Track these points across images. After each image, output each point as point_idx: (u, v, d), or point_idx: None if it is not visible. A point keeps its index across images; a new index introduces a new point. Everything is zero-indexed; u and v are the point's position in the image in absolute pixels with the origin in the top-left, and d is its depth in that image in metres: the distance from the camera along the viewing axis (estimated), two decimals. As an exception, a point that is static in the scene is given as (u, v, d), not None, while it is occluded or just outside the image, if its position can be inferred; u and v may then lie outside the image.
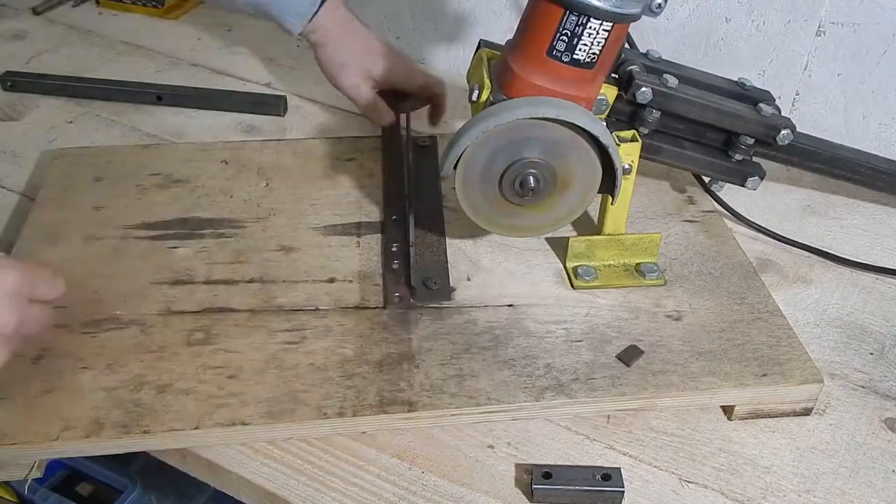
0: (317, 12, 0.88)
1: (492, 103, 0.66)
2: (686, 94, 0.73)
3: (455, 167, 0.66)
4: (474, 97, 0.67)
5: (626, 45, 0.82)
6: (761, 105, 0.75)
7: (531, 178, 0.66)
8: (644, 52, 0.77)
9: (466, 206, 0.69)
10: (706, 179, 0.84)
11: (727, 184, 0.81)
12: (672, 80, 0.73)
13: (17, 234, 0.79)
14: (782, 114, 0.77)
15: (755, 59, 0.95)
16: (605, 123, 0.68)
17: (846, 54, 0.90)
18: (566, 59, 0.62)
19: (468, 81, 0.71)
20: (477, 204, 0.69)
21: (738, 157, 0.77)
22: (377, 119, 0.91)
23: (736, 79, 0.78)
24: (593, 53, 0.62)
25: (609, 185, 0.68)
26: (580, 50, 0.61)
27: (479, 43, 0.73)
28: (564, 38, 0.61)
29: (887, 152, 0.92)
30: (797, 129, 0.76)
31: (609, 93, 0.72)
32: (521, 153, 0.65)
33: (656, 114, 0.73)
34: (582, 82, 0.64)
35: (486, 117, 0.63)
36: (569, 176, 0.67)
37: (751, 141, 0.75)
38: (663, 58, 0.77)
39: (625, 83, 0.72)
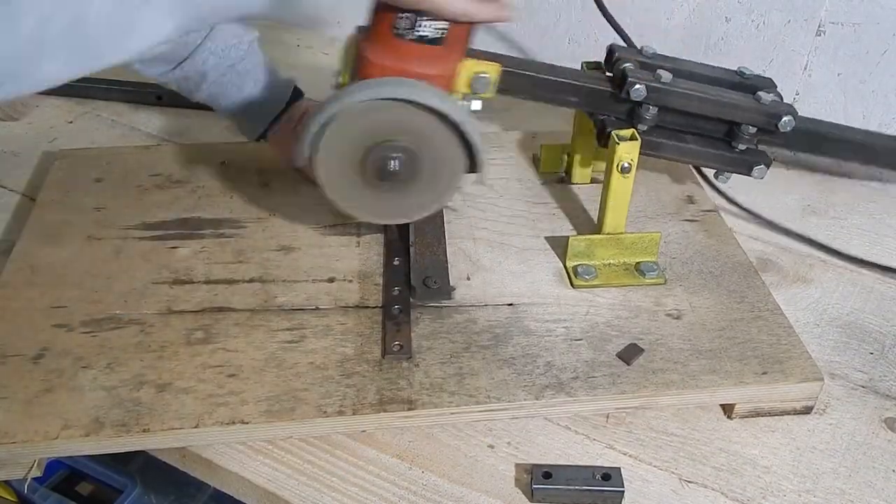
0: (285, 110, 0.82)
1: None
2: (681, 88, 0.72)
3: (313, 153, 0.63)
4: (336, 83, 0.65)
5: (622, 43, 0.82)
6: (760, 93, 0.74)
7: (392, 161, 0.63)
8: (639, 48, 0.77)
9: (331, 192, 0.66)
10: (712, 172, 0.82)
11: (733, 177, 0.79)
12: (666, 76, 0.72)
13: (18, 235, 0.79)
14: (784, 101, 0.76)
15: (755, 58, 0.95)
16: (458, 100, 0.64)
17: (846, 54, 0.90)
18: (411, 37, 0.60)
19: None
20: (342, 188, 0.65)
21: (741, 146, 0.75)
22: None
23: (735, 68, 0.78)
24: (440, 29, 0.59)
25: (471, 162, 0.64)
26: (425, 26, 0.59)
27: (357, 29, 0.68)
28: (407, 14, 0.59)
29: (887, 152, 0.92)
30: (804, 116, 0.74)
31: (491, 70, 0.67)
32: (378, 137, 0.62)
33: (653, 110, 0.72)
34: (433, 59, 0.61)
35: (326, 104, 0.61)
36: (429, 156, 0.64)
37: (753, 130, 0.74)
38: (658, 52, 0.76)
39: (619, 81, 0.72)
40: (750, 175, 0.77)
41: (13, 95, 0.50)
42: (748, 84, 0.76)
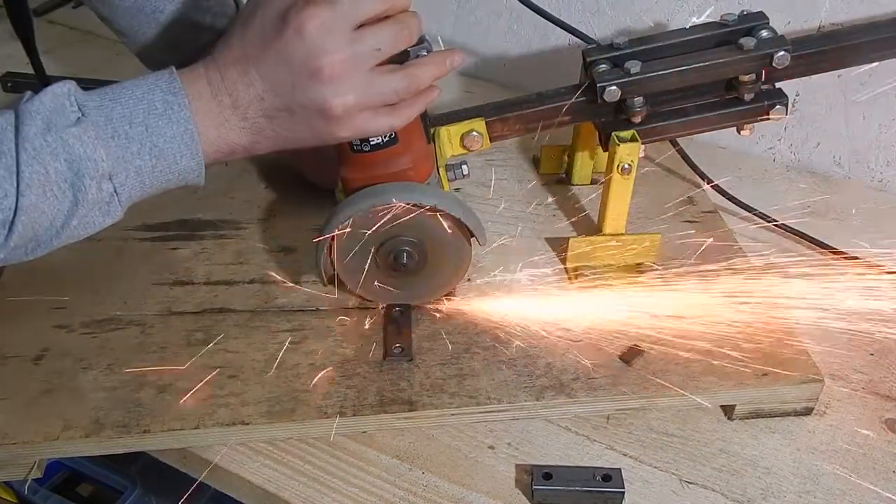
0: None
1: None
2: (655, 72, 0.70)
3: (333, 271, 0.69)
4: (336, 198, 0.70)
5: (593, 43, 0.81)
6: (742, 40, 0.70)
7: (403, 254, 0.67)
8: (609, 43, 0.74)
9: (363, 294, 0.71)
10: (734, 129, 0.78)
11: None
12: (635, 66, 0.70)
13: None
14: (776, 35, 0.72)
15: (755, 59, 0.95)
16: (433, 185, 0.68)
17: (846, 55, 0.90)
18: (367, 149, 0.63)
19: None
20: (372, 287, 0.70)
21: (748, 96, 0.73)
22: None
23: (718, 17, 0.74)
24: (388, 134, 0.62)
25: (467, 231, 0.67)
26: (373, 137, 0.62)
27: None
28: None
29: (887, 153, 0.92)
30: (800, 36, 0.72)
31: (477, 125, 0.72)
32: (378, 240, 0.67)
33: (639, 100, 0.71)
34: (397, 157, 0.64)
35: (326, 225, 0.65)
36: (431, 238, 0.67)
37: (751, 77, 0.72)
38: (632, 38, 0.74)
39: (593, 88, 0.71)
40: (770, 119, 0.74)
41: None
42: (734, 31, 0.72)
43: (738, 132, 0.77)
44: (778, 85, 0.75)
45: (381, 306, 0.71)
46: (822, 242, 0.83)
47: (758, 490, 0.61)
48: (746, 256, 0.78)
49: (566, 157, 0.87)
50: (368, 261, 0.68)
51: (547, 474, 0.60)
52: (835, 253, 0.82)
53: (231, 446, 0.63)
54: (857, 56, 0.76)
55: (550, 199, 0.85)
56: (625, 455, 0.63)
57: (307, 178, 0.85)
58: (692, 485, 0.61)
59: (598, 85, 0.70)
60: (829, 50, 0.74)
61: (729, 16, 0.74)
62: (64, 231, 0.54)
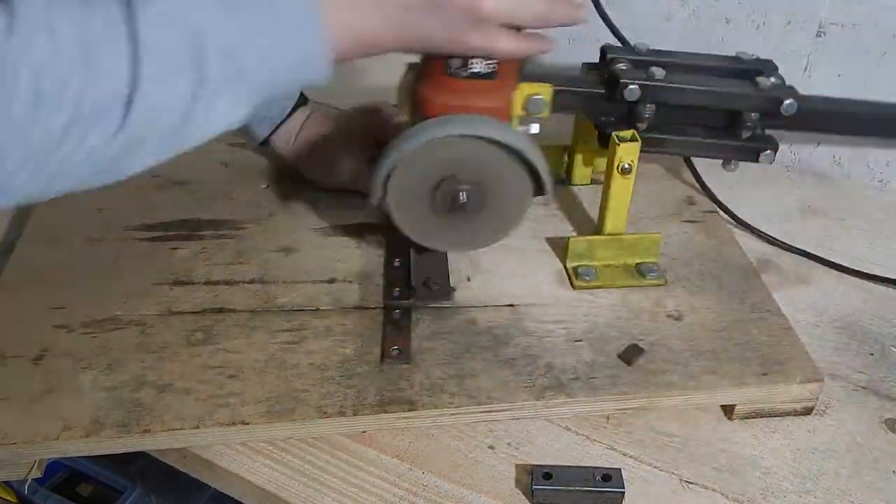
0: (289, 116, 0.83)
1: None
2: (675, 84, 0.71)
3: (384, 195, 0.66)
4: (400, 120, 0.68)
5: (618, 43, 0.82)
6: (759, 79, 0.72)
7: (462, 193, 0.65)
8: (632, 45, 0.76)
9: (406, 228, 0.68)
10: (717, 167, 0.79)
11: (733, 178, 0.78)
12: (659, 73, 0.71)
13: (19, 235, 0.79)
14: (785, 83, 0.74)
15: (755, 59, 0.95)
16: (519, 128, 0.67)
17: (846, 55, 0.90)
18: (465, 74, 0.62)
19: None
20: (416, 223, 0.68)
21: (745, 134, 0.74)
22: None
23: (733, 54, 0.76)
24: (490, 64, 0.62)
25: (538, 187, 0.67)
26: (476, 63, 0.62)
27: (408, 66, 0.69)
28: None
29: (887, 153, 0.92)
30: (806, 94, 0.73)
31: (544, 91, 0.70)
32: (446, 172, 0.65)
33: (651, 108, 0.72)
34: (489, 93, 0.63)
35: (398, 143, 0.63)
36: (497, 185, 0.66)
37: (755, 116, 0.72)
38: (651, 48, 0.75)
39: (612, 83, 0.71)
40: (757, 162, 0.75)
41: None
42: (747, 69, 0.75)
43: (724, 167, 0.77)
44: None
45: (381, 306, 0.71)
46: (807, 252, 0.83)
47: (758, 490, 0.61)
48: (746, 256, 0.78)
49: (566, 157, 0.87)
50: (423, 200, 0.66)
51: (547, 474, 0.60)
52: (821, 261, 0.82)
53: (231, 446, 0.63)
54: (856, 129, 0.79)
55: (551, 200, 0.85)
56: (625, 455, 0.63)
57: (307, 178, 0.85)
58: (692, 485, 0.61)
59: (620, 81, 0.70)
60: (831, 113, 0.76)
61: (744, 54, 0.76)
62: (189, 122, 0.50)
